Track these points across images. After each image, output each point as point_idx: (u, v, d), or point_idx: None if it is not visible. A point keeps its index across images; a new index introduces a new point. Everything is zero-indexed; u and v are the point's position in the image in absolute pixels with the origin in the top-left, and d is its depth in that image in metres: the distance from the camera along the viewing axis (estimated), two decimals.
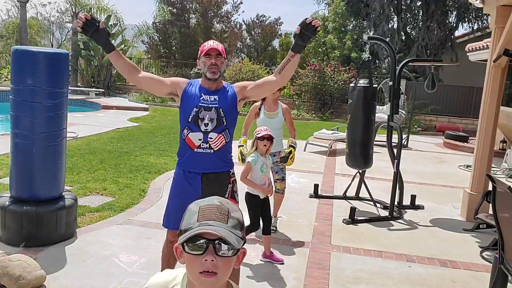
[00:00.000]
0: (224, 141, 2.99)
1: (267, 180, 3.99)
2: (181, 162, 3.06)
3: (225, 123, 2.98)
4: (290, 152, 4.56)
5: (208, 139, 2.94)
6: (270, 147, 3.99)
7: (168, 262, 3.16)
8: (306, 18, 2.76)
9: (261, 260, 4.10)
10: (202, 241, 1.18)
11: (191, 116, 2.95)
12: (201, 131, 2.93)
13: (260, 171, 3.94)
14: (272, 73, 3.27)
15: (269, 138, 3.93)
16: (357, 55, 18.64)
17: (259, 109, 4.79)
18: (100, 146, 8.68)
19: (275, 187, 4.84)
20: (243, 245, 1.25)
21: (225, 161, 3.04)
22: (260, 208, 4.04)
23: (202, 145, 2.95)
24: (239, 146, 4.56)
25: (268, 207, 4.10)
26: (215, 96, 3.00)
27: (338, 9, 19.08)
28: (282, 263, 4.06)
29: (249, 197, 4.03)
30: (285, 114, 4.78)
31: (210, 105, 2.97)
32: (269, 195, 4.08)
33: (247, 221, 4.43)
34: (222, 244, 1.19)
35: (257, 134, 3.96)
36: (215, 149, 2.95)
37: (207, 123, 2.93)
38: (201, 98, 2.98)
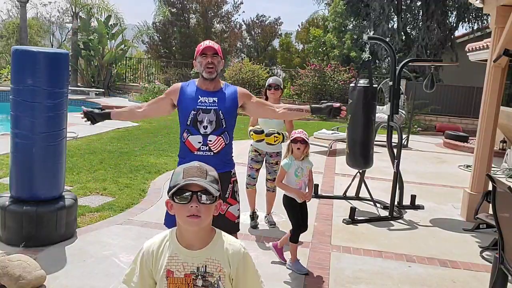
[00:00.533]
0: (223, 143, 2.97)
1: (302, 184, 3.90)
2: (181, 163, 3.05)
3: (224, 125, 2.96)
4: (279, 134, 4.55)
5: (208, 141, 2.92)
6: (306, 150, 3.87)
7: None
8: (334, 103, 3.07)
9: (287, 267, 4.06)
10: (187, 193, 1.54)
11: (189, 119, 2.94)
12: (200, 133, 2.92)
13: (294, 175, 3.86)
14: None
15: (303, 141, 3.82)
16: (356, 54, 18.64)
17: None
18: (100, 146, 8.68)
19: (267, 186, 5.02)
20: (219, 196, 1.59)
21: (225, 162, 3.02)
22: (299, 211, 3.97)
23: (202, 148, 2.92)
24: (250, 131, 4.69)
25: (305, 215, 4.01)
26: (214, 98, 2.97)
27: (338, 8, 19.07)
28: (284, 263, 4.03)
29: (287, 200, 3.97)
30: None
31: (208, 107, 2.94)
32: (306, 201, 3.98)
33: (286, 225, 4.44)
34: (203, 195, 1.55)
35: (291, 136, 3.91)
36: (214, 152, 2.94)
37: (206, 126, 2.91)
38: (199, 101, 2.95)
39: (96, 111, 3.30)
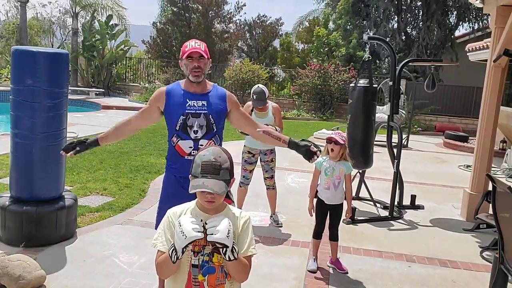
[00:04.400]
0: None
1: (331, 184, 3.91)
2: (173, 169, 2.95)
3: (215, 129, 2.87)
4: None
5: (199, 146, 2.81)
6: (341, 151, 3.88)
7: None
8: (312, 146, 2.92)
9: (328, 266, 4.09)
10: (204, 190, 1.81)
11: (178, 124, 2.83)
12: (191, 138, 2.82)
13: (324, 174, 3.90)
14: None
15: (337, 142, 3.82)
16: (362, 53, 18.53)
17: (251, 110, 4.92)
18: (100, 146, 8.67)
19: (266, 184, 5.09)
20: (232, 176, 1.89)
21: None
22: (325, 215, 4.00)
23: (193, 152, 2.80)
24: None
25: (336, 214, 4.03)
26: (203, 101, 2.86)
27: (346, 6, 18.98)
28: (346, 273, 4.00)
29: (317, 201, 4.02)
30: (275, 113, 4.96)
31: (198, 111, 2.83)
32: (310, 215, 4.00)
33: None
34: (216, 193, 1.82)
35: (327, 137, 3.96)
36: None
37: (197, 130, 2.81)
38: (187, 105, 2.83)
39: (79, 147, 3.05)
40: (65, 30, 25.65)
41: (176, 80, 3.14)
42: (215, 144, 2.81)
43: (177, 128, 2.83)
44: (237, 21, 23.67)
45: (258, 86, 4.98)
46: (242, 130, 3.26)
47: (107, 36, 19.65)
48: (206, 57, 2.83)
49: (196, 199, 1.91)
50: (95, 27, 20.19)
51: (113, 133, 3.10)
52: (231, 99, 2.98)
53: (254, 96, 4.88)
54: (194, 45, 2.82)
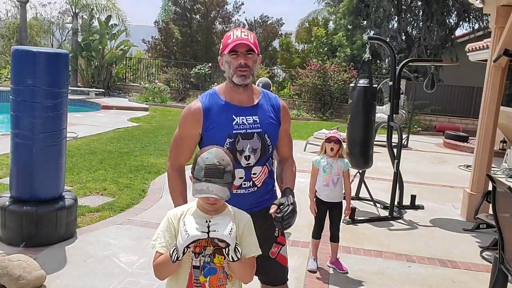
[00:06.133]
0: (267, 172, 2.29)
1: (330, 181, 3.92)
2: None
3: (270, 150, 2.25)
4: None
5: (251, 175, 2.20)
6: (340, 150, 3.92)
7: None
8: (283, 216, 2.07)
9: (328, 266, 4.10)
10: (207, 195, 1.76)
11: None
12: (241, 167, 2.16)
13: (323, 171, 3.92)
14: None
15: (337, 141, 3.88)
16: (363, 54, 18.46)
17: None
18: (100, 146, 8.68)
19: None
20: (234, 178, 1.85)
21: (269, 194, 2.34)
22: (324, 214, 4.01)
23: (244, 184, 2.20)
24: None
25: (336, 214, 4.03)
26: (254, 117, 2.20)
27: (350, 6, 18.95)
28: (346, 273, 4.00)
29: (316, 201, 4.02)
30: None
31: (249, 131, 2.17)
32: (314, 214, 4.00)
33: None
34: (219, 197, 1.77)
35: (325, 136, 3.97)
36: (259, 186, 2.24)
37: (249, 156, 2.16)
38: (235, 122, 2.16)
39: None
40: (64, 30, 25.66)
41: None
42: (268, 167, 2.28)
43: None
44: (236, 21, 23.65)
45: (264, 77, 5.10)
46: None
47: (107, 36, 19.65)
48: (255, 52, 2.14)
49: (197, 200, 1.91)
50: (94, 27, 20.18)
51: (184, 189, 2.28)
52: (286, 112, 2.34)
53: (260, 85, 4.92)
54: (240, 35, 2.12)
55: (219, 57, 2.22)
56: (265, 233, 2.20)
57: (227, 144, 2.13)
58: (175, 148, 2.29)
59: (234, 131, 2.14)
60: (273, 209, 2.07)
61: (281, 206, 2.07)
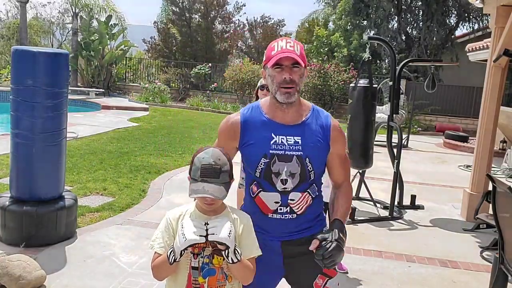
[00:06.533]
0: (310, 200, 2.04)
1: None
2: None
3: (312, 177, 2.01)
4: None
5: (289, 201, 2.00)
6: None
7: None
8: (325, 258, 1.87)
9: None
10: (203, 195, 1.78)
11: (258, 170, 1.98)
12: (277, 191, 1.98)
13: None
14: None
15: None
16: (363, 54, 18.47)
17: None
18: (100, 146, 8.68)
19: None
20: (231, 178, 1.84)
21: (312, 223, 2.10)
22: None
23: (280, 209, 2.01)
24: None
25: None
26: (296, 137, 1.97)
27: (347, 7, 18.97)
28: (346, 273, 3.99)
29: None
30: None
31: (288, 152, 1.96)
32: None
33: None
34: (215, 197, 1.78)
35: None
36: (298, 213, 2.02)
37: (285, 180, 1.96)
38: (273, 142, 1.96)
39: None
40: (64, 30, 25.67)
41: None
42: (311, 195, 2.04)
43: (257, 174, 1.99)
44: (237, 21, 23.66)
45: None
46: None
47: (107, 36, 19.65)
48: (302, 65, 1.91)
49: (195, 201, 1.91)
50: (94, 27, 20.19)
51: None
52: (337, 133, 2.05)
53: (263, 81, 4.92)
54: (285, 46, 1.92)
55: (262, 70, 2.04)
56: (309, 261, 1.93)
57: (261, 164, 1.96)
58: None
59: (271, 151, 1.95)
60: (314, 244, 1.87)
61: (324, 242, 1.86)
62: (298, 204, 2.01)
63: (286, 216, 2.01)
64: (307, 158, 1.96)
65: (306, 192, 2.02)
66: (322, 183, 2.15)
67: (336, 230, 1.93)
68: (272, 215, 2.01)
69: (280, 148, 1.95)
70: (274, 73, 1.91)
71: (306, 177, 1.98)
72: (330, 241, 1.87)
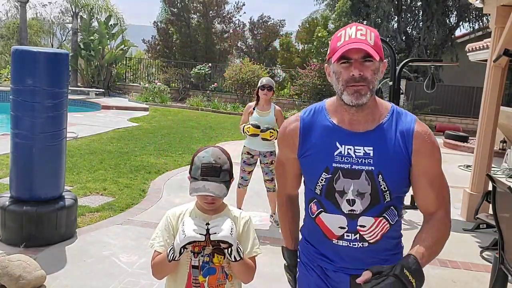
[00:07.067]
0: (387, 227, 1.66)
1: None
2: (315, 256, 1.75)
3: (388, 199, 1.59)
4: (274, 130, 4.73)
5: (358, 227, 1.62)
6: None
7: None
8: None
9: None
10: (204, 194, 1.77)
11: (318, 186, 1.62)
12: (342, 213, 1.61)
13: None
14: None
15: None
16: None
17: (253, 109, 4.96)
18: (100, 146, 8.68)
19: (266, 187, 5.09)
20: (231, 177, 1.84)
21: (389, 255, 1.72)
22: None
23: (347, 235, 1.63)
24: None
25: None
26: (367, 148, 1.57)
27: (344, 8, 19.01)
28: None
29: None
30: (277, 115, 4.96)
31: (356, 167, 1.57)
32: None
33: None
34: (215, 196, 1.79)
35: None
36: (371, 242, 1.64)
37: (353, 200, 1.58)
38: (337, 152, 1.59)
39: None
40: (65, 30, 25.67)
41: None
42: (389, 222, 1.67)
43: (317, 191, 1.64)
44: (237, 21, 23.66)
45: (267, 77, 5.34)
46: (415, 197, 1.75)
47: (106, 36, 19.66)
48: (377, 58, 1.51)
49: (195, 200, 1.91)
50: (93, 27, 20.20)
51: (290, 231, 1.96)
52: (425, 142, 1.58)
53: (264, 80, 4.94)
54: (354, 34, 1.52)
55: (325, 65, 1.65)
56: None
57: (322, 180, 1.60)
58: (279, 174, 1.88)
59: (334, 164, 1.58)
60: (363, 276, 1.47)
61: (377, 275, 1.46)
62: (370, 231, 1.62)
63: (354, 245, 1.63)
64: (380, 175, 1.55)
65: (382, 217, 1.61)
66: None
67: (403, 265, 1.50)
68: (337, 242, 1.64)
69: (346, 161, 1.58)
70: (339, 69, 1.54)
71: (379, 198, 1.58)
72: (385, 275, 1.45)
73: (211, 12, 22.23)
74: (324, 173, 1.60)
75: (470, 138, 12.08)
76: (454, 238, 5.11)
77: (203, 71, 18.82)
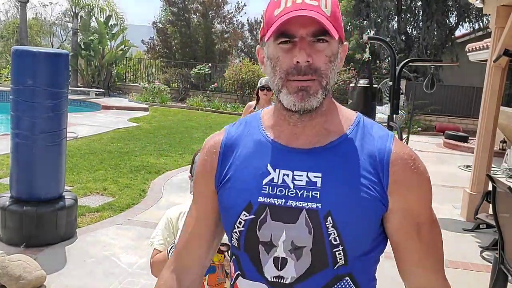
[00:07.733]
0: None
1: None
2: None
3: (342, 262, 1.01)
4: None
5: None
6: None
7: None
8: None
9: None
10: None
11: (235, 234, 1.05)
12: (265, 280, 1.02)
13: None
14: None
15: None
16: (360, 55, 18.57)
17: (254, 109, 4.93)
18: (100, 146, 8.69)
19: None
20: None
21: None
22: None
23: None
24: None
25: None
26: (313, 174, 1.00)
27: (348, 8, 18.99)
28: None
29: None
30: None
31: (293, 203, 0.99)
32: None
33: None
34: None
35: None
36: None
37: (283, 260, 1.00)
38: (266, 181, 1.02)
39: None
40: (65, 30, 25.69)
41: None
42: None
43: (234, 242, 1.07)
44: (237, 22, 23.66)
45: (266, 77, 5.15)
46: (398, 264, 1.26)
47: (106, 36, 19.66)
48: (335, 35, 0.94)
49: None
50: (94, 27, 20.20)
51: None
52: (405, 170, 1.00)
53: (263, 81, 4.94)
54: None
55: (257, 46, 1.08)
56: None
57: (240, 223, 1.02)
58: (184, 227, 1.24)
59: (260, 198, 1.01)
60: None
61: None
62: None
63: None
64: (328, 217, 0.97)
65: None
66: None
67: None
68: None
69: (278, 193, 1.00)
70: (276, 53, 0.98)
71: (325, 259, 0.99)
72: None
73: (211, 12, 22.24)
74: (244, 212, 1.01)
75: (470, 138, 12.08)
76: (454, 238, 5.12)
77: (203, 71, 18.82)
